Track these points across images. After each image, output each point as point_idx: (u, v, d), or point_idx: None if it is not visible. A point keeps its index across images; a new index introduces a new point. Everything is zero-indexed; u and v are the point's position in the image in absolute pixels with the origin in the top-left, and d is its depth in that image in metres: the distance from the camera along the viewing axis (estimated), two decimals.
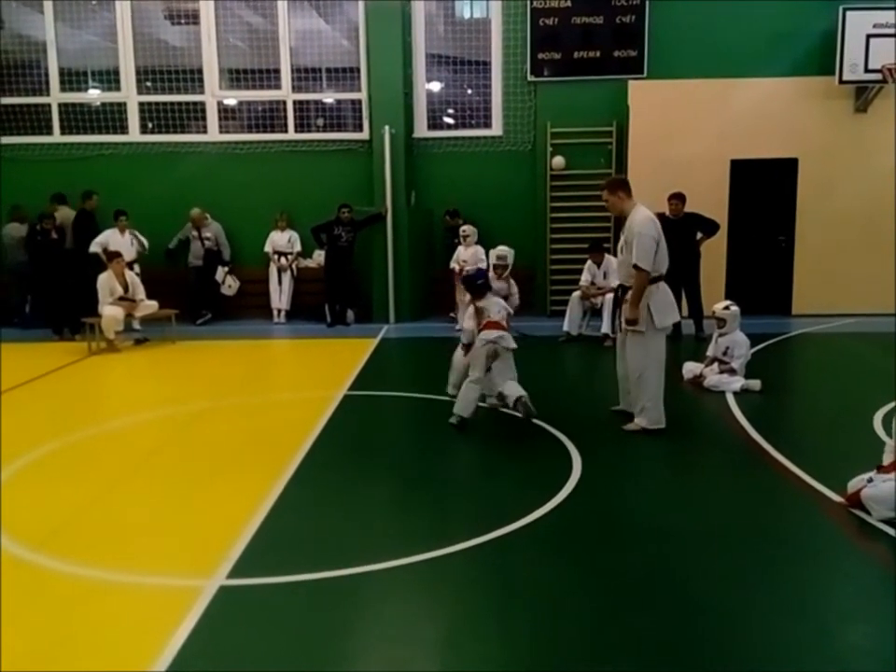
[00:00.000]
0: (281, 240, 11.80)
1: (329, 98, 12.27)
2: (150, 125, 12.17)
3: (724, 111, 10.95)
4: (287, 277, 11.81)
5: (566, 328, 9.86)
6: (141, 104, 12.09)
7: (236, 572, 3.76)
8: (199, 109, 12.07)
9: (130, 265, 10.41)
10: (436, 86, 12.23)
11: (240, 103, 12.36)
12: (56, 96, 12.06)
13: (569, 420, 6.21)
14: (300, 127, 12.08)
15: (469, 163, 11.89)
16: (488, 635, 3.22)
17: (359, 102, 11.95)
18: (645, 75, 11.37)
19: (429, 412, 6.77)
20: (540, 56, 11.56)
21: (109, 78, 12.10)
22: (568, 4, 11.40)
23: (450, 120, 12.32)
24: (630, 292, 5.85)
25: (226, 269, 11.65)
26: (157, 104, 12.06)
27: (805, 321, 10.78)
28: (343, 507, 4.65)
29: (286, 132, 12.06)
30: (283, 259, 11.77)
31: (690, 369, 7.54)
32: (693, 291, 9.80)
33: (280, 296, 11.82)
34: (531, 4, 11.41)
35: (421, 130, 12.01)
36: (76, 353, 9.51)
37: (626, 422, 6.05)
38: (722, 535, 4.19)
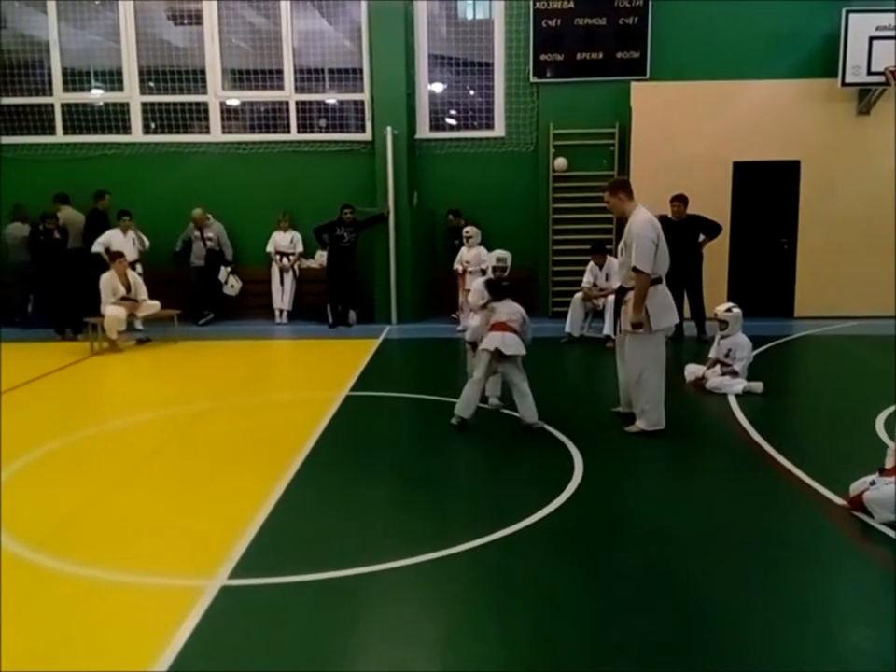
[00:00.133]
0: (283, 240, 11.81)
1: (331, 99, 12.28)
2: (153, 125, 12.18)
3: (727, 113, 10.95)
4: (289, 278, 11.82)
5: (567, 329, 9.86)
6: (144, 104, 12.10)
7: (238, 572, 3.75)
8: (202, 110, 12.08)
9: (132, 265, 10.42)
10: (438, 87, 12.24)
11: (243, 103, 12.37)
12: (59, 96, 12.07)
13: (571, 421, 6.21)
14: (302, 128, 12.09)
15: (471, 164, 11.89)
16: (489, 635, 3.22)
17: (362, 102, 11.96)
18: (648, 76, 11.37)
19: (431, 412, 6.78)
20: (543, 57, 11.56)
21: (112, 79, 12.12)
22: (571, 5, 11.40)
23: (452, 121, 12.32)
24: (630, 294, 5.86)
25: (228, 269, 11.66)
26: (160, 104, 12.08)
27: (808, 323, 10.77)
28: (345, 507, 4.64)
29: (288, 132, 12.07)
30: (285, 260, 11.78)
31: (692, 371, 7.54)
32: (696, 293, 9.79)
33: (282, 296, 11.83)
34: (534, 5, 11.42)
35: (423, 131, 12.01)
36: (78, 353, 9.52)
37: (627, 423, 6.05)
38: (724, 537, 4.19)
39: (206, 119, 12.09)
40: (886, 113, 10.86)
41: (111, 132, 12.08)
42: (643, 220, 5.84)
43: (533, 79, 11.65)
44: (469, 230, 10.80)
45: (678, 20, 11.24)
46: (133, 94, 12.05)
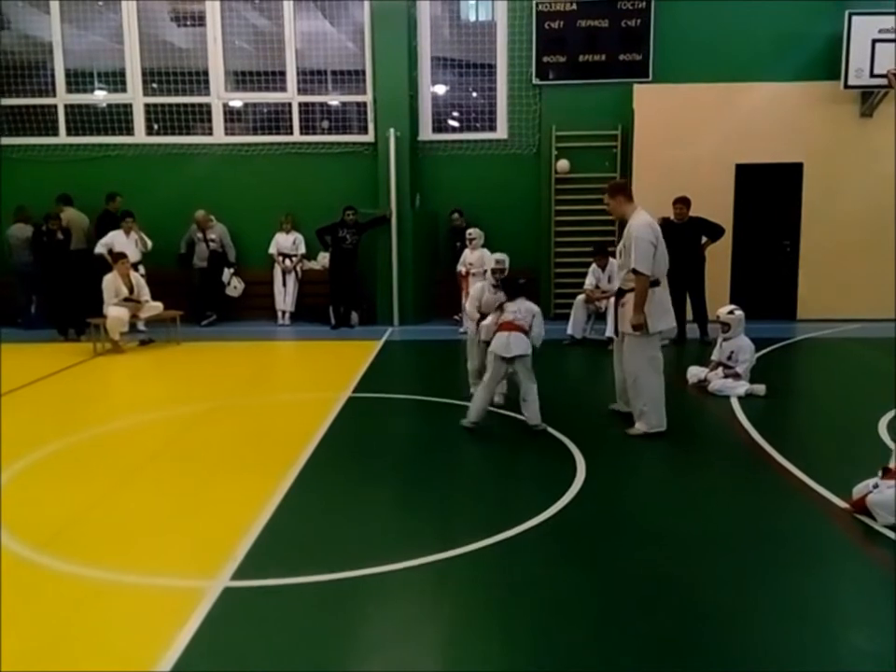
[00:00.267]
0: (286, 242, 11.82)
1: (334, 100, 12.29)
2: (156, 126, 12.20)
3: (729, 115, 10.95)
4: (291, 279, 11.83)
5: (569, 331, 9.87)
6: (147, 105, 12.12)
7: (240, 573, 3.76)
8: (204, 111, 12.09)
9: (135, 266, 10.44)
10: (441, 89, 12.25)
11: (245, 105, 12.38)
12: (62, 97, 12.09)
13: (573, 423, 6.21)
14: (305, 129, 12.10)
15: (473, 166, 11.89)
16: (492, 637, 3.22)
17: (364, 104, 11.97)
18: (650, 79, 11.38)
19: (433, 414, 6.78)
20: (545, 59, 11.57)
21: (115, 80, 12.13)
22: (574, 7, 11.41)
23: (455, 123, 12.33)
24: (628, 295, 5.90)
25: (231, 270, 11.67)
26: (163, 105, 12.09)
27: (810, 326, 10.76)
28: (348, 509, 4.64)
29: (291, 134, 12.08)
30: (287, 261, 11.79)
31: (694, 373, 7.54)
32: (698, 296, 9.79)
33: (284, 298, 11.84)
34: (536, 7, 11.43)
35: (426, 132, 12.02)
36: (81, 354, 9.53)
37: (628, 423, 6.07)
38: (727, 539, 4.19)
39: (209, 120, 12.10)
40: (888, 116, 10.85)
41: (114, 133, 12.10)
42: (642, 223, 5.86)
43: (535, 81, 11.66)
44: (473, 232, 10.80)
45: (680, 22, 11.25)
46: (136, 96, 12.06)
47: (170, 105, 12.07)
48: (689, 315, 9.85)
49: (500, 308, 6.13)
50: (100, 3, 12.10)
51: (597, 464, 5.30)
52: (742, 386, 7.11)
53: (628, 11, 11.35)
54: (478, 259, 10.62)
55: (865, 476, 4.39)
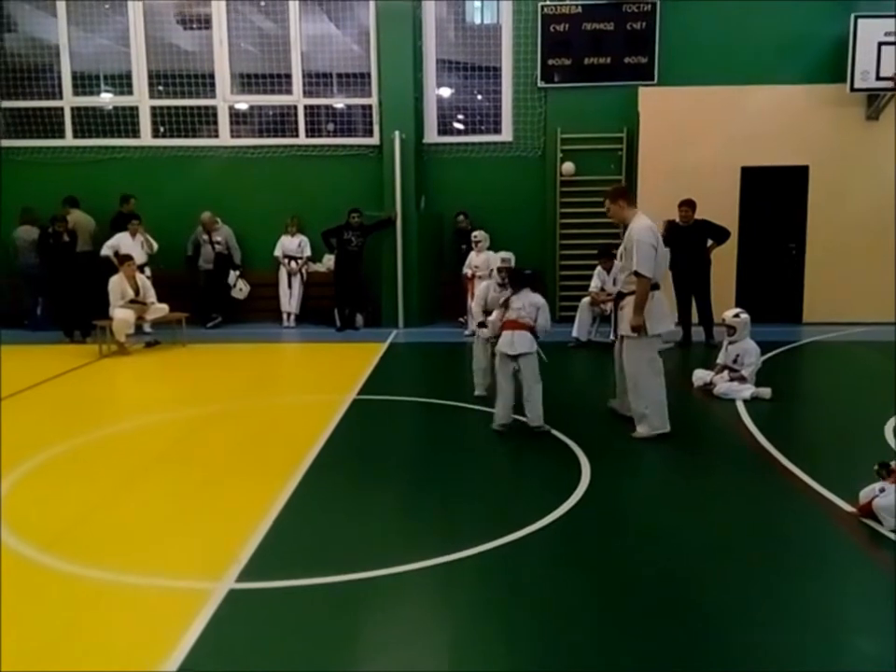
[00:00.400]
0: (291, 244, 11.83)
1: (339, 103, 12.30)
2: (162, 129, 12.22)
3: (735, 118, 10.94)
4: (296, 281, 11.83)
5: (575, 333, 9.87)
6: (153, 108, 12.15)
7: (245, 575, 3.76)
8: (210, 114, 12.12)
9: (141, 268, 10.46)
10: (446, 91, 12.25)
11: (251, 107, 12.40)
12: (69, 100, 12.12)
13: (578, 426, 6.21)
14: (310, 132, 12.12)
15: (478, 169, 11.90)
16: (497, 639, 3.22)
17: (370, 107, 11.98)
18: (655, 81, 11.37)
19: (438, 416, 6.79)
20: (551, 62, 11.57)
21: (122, 82, 12.16)
22: (579, 10, 11.41)
23: (460, 126, 12.34)
24: (628, 298, 5.95)
25: (237, 273, 11.69)
26: (169, 108, 12.12)
27: (816, 329, 10.73)
28: (352, 511, 4.65)
29: (296, 136, 12.10)
30: (293, 264, 11.80)
31: (700, 376, 7.53)
32: (704, 299, 9.78)
33: (290, 300, 11.84)
34: (542, 10, 11.43)
35: (431, 135, 12.02)
36: (86, 356, 9.55)
37: (628, 424, 6.08)
38: (732, 542, 4.18)
39: (215, 122, 12.12)
40: (894, 118, 10.82)
41: (120, 135, 12.13)
42: (642, 226, 5.92)
43: (541, 84, 11.65)
44: (478, 234, 10.80)
45: (686, 25, 11.23)
46: (142, 98, 12.09)
47: (176, 108, 12.10)
48: (694, 318, 9.85)
49: (506, 305, 6.12)
50: (106, 6, 12.13)
51: (602, 466, 5.30)
52: (748, 390, 7.10)
53: (634, 14, 11.34)
54: (484, 262, 10.61)
55: (871, 480, 4.38)
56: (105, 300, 9.69)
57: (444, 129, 12.17)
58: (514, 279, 6.23)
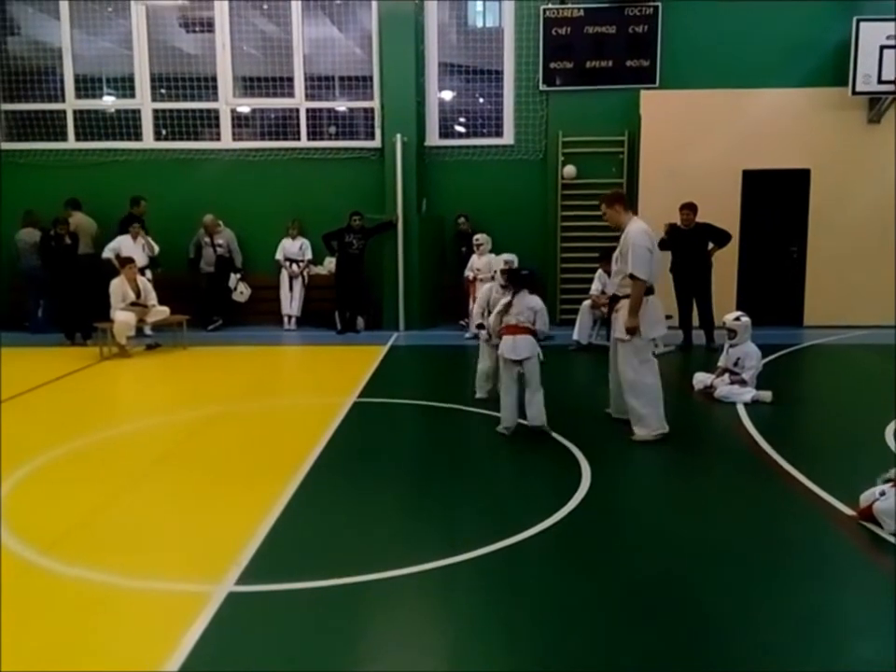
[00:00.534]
0: (292, 247, 11.84)
1: (341, 106, 12.33)
2: (164, 132, 12.25)
3: (737, 121, 10.94)
4: (297, 284, 11.84)
5: (575, 336, 9.88)
6: (155, 111, 12.18)
7: (245, 578, 3.76)
8: (212, 116, 12.14)
9: (142, 271, 10.47)
10: (448, 94, 12.27)
11: (253, 110, 12.43)
12: (71, 103, 12.16)
13: (579, 429, 6.21)
14: (312, 135, 12.14)
15: (480, 172, 11.91)
16: (496, 642, 3.22)
17: (372, 110, 12.00)
18: (657, 85, 11.37)
19: (439, 419, 6.78)
20: (553, 65, 11.58)
21: (124, 85, 12.20)
22: (581, 13, 11.42)
23: (462, 129, 12.35)
24: (622, 301, 5.99)
25: (238, 275, 11.70)
26: (171, 111, 12.15)
27: (817, 332, 10.73)
28: (352, 514, 4.65)
29: (298, 139, 12.12)
30: (294, 266, 11.81)
31: (700, 379, 7.53)
32: (705, 301, 9.78)
33: (291, 303, 11.85)
34: (544, 13, 11.44)
35: (433, 138, 12.04)
36: (87, 358, 9.56)
37: (627, 427, 6.08)
38: (732, 546, 4.17)
39: (217, 125, 12.15)
40: None
41: (123, 138, 12.16)
42: (638, 230, 6.00)
43: (542, 87, 11.66)
44: (480, 237, 10.81)
45: (687, 28, 11.24)
46: (144, 101, 12.12)
47: (178, 111, 12.13)
48: (695, 321, 9.84)
49: (506, 309, 6.12)
50: (109, 9, 12.16)
51: (603, 469, 5.29)
52: (748, 393, 7.09)
53: (635, 17, 11.35)
54: (485, 265, 10.62)
55: (872, 483, 4.38)
56: (107, 302, 9.71)
57: (446, 132, 12.19)
58: (512, 279, 6.23)
